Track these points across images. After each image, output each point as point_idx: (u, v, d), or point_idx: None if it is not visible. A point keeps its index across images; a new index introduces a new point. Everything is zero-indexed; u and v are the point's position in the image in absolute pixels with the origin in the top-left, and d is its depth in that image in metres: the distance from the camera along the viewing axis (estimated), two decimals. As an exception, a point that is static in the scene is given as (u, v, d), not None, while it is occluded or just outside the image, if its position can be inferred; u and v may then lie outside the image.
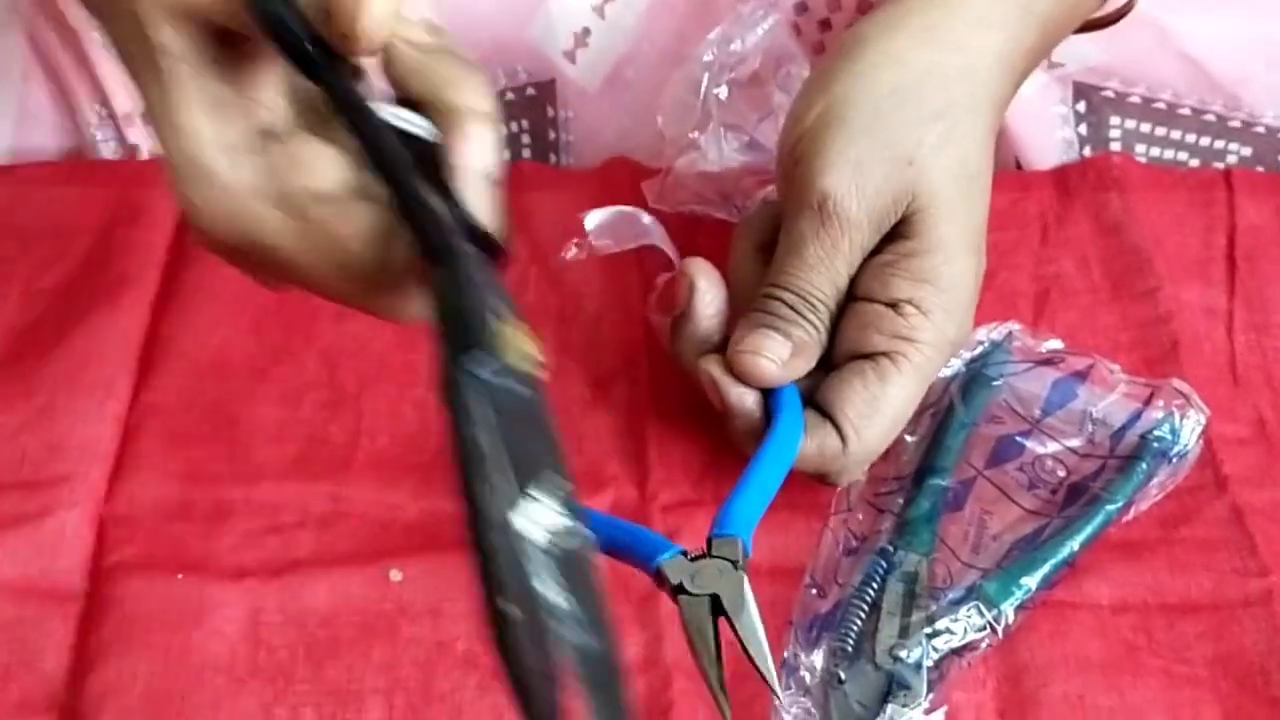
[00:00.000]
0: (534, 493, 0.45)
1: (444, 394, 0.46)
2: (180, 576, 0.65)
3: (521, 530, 0.45)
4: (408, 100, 0.53)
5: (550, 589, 0.44)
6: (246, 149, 0.52)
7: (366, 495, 0.68)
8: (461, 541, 0.64)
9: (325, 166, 0.52)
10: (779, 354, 0.65)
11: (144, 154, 0.83)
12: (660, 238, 0.69)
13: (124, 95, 0.81)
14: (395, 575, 0.65)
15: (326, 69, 0.52)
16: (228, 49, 0.52)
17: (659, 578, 0.60)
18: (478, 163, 0.52)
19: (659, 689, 0.61)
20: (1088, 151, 0.84)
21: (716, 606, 0.58)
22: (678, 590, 0.59)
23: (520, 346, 0.48)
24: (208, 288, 0.75)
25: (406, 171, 0.51)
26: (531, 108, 0.83)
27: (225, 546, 0.66)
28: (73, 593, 0.64)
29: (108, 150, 0.83)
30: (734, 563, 0.59)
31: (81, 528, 0.66)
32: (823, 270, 0.65)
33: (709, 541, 0.60)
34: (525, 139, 0.85)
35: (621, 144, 0.83)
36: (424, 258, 0.50)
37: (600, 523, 0.63)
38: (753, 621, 0.57)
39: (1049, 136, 0.84)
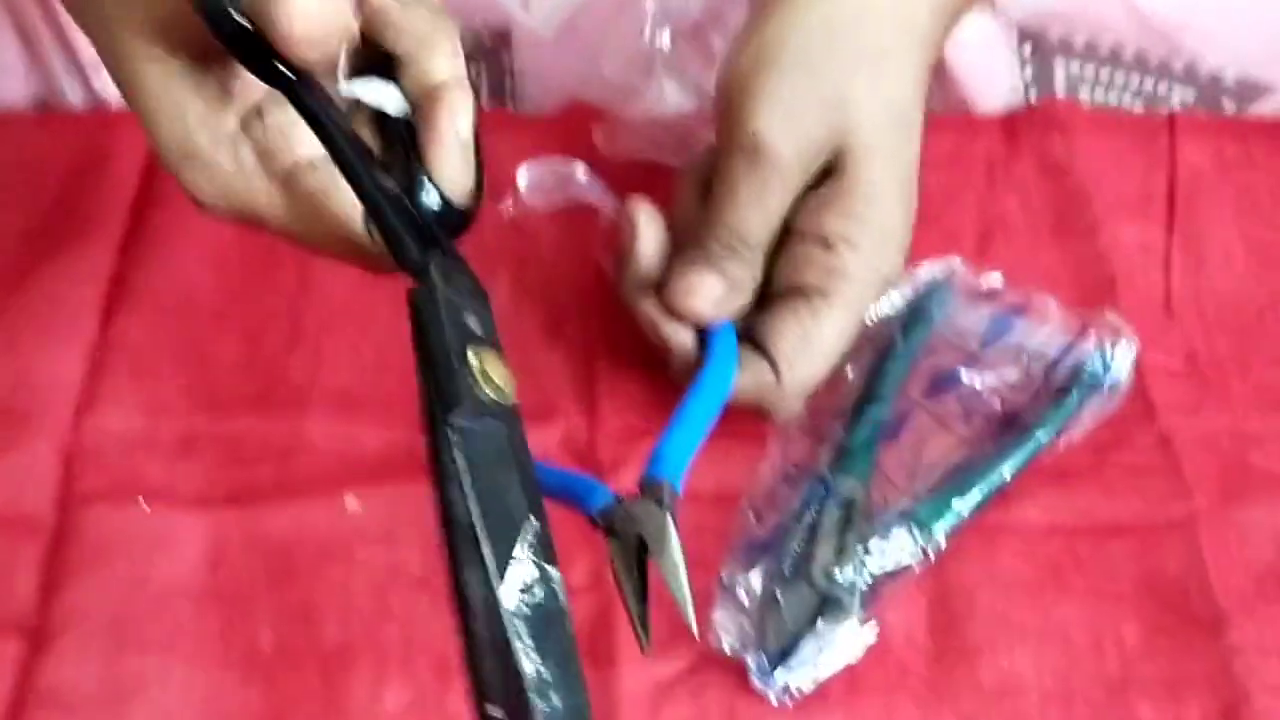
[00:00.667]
0: (515, 554, 0.48)
1: (431, 458, 0.50)
2: (144, 504, 0.66)
3: (503, 603, 0.47)
4: (380, 55, 0.54)
5: (525, 658, 0.47)
6: (235, 134, 0.54)
7: (325, 428, 0.70)
8: (416, 471, 0.67)
9: (310, 134, 0.53)
10: (713, 292, 0.66)
11: (111, 105, 0.84)
12: (597, 193, 0.71)
13: (89, 45, 0.82)
14: (351, 503, 0.67)
15: (278, 73, 0.51)
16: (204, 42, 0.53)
17: (595, 522, 0.61)
18: (453, 131, 0.53)
19: (603, 609, 0.63)
20: (1034, 95, 0.85)
21: (642, 546, 0.59)
22: (609, 532, 0.60)
23: (494, 377, 0.50)
24: (173, 230, 0.77)
25: (369, 177, 0.52)
26: (487, 56, 0.84)
27: (188, 476, 0.68)
28: (40, 522, 0.66)
29: (75, 99, 0.84)
30: (659, 502, 0.60)
31: (49, 459, 0.68)
32: (755, 209, 0.66)
33: (640, 484, 0.61)
34: (482, 87, 0.86)
35: (578, 91, 0.84)
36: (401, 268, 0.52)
37: (545, 472, 0.64)
38: (674, 560, 0.58)
39: (996, 81, 0.85)
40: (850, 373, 0.70)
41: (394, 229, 0.52)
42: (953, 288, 0.73)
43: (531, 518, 0.49)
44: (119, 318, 0.73)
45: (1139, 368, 0.69)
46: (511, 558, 0.48)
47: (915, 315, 0.71)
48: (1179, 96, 0.86)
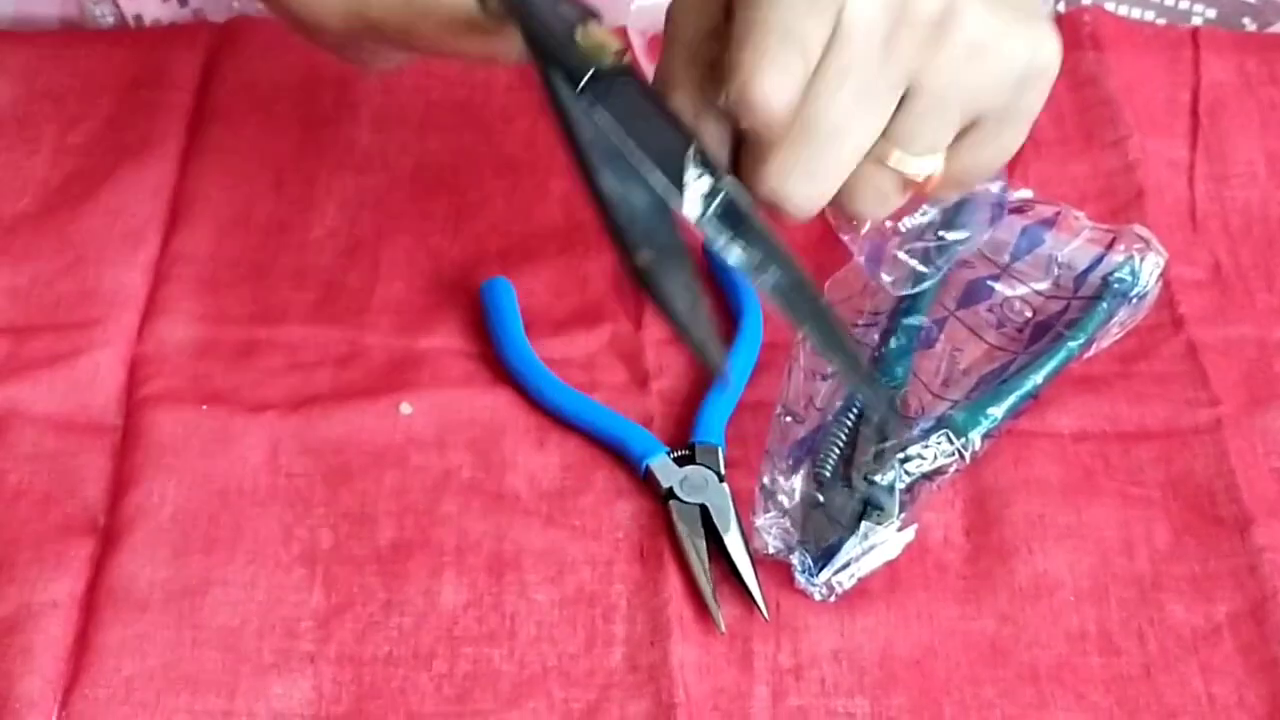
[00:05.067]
0: (687, 174, 0.50)
1: (558, 126, 0.51)
2: (206, 409, 0.65)
3: (687, 210, 0.50)
4: None
5: (728, 249, 0.50)
6: None
7: (381, 336, 0.68)
8: (469, 379, 0.66)
9: None
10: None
11: (145, 21, 0.82)
12: None
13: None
14: (405, 409, 0.65)
15: None
16: None
17: (648, 477, 0.62)
18: None
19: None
20: (1062, 7, 0.82)
21: (705, 516, 0.60)
22: (668, 495, 0.61)
23: (602, 44, 0.51)
24: (231, 146, 0.75)
25: None
26: None
27: (248, 382, 0.66)
28: (108, 425, 0.65)
29: (105, 19, 0.82)
30: (718, 474, 0.61)
31: (114, 365, 0.66)
32: None
33: (692, 447, 0.63)
34: None
35: None
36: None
37: (593, 412, 0.64)
38: (739, 540, 0.60)
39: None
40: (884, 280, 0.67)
41: None
42: (984, 201, 0.70)
43: (691, 142, 0.51)
44: (181, 230, 0.72)
45: (1165, 279, 0.67)
46: (684, 176, 0.50)
47: (949, 227, 0.69)
48: (1199, 14, 0.83)
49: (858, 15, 0.50)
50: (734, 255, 0.50)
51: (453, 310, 0.69)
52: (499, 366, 0.66)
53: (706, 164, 0.51)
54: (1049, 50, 0.54)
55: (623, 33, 0.76)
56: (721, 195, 0.50)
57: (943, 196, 0.58)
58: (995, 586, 0.60)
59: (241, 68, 0.78)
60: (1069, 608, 0.59)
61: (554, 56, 0.51)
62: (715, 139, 0.52)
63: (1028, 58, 0.53)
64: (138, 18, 0.81)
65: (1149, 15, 0.83)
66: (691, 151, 0.50)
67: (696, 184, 0.50)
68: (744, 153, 0.53)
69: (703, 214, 0.50)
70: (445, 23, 0.56)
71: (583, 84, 0.50)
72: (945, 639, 0.59)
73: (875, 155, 0.53)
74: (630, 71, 0.51)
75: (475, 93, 0.77)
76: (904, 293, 0.64)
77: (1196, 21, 0.83)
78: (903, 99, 0.52)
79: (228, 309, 0.69)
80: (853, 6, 0.50)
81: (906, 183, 0.54)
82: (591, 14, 0.53)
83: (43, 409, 0.65)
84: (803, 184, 0.51)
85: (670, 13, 0.53)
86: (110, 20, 0.82)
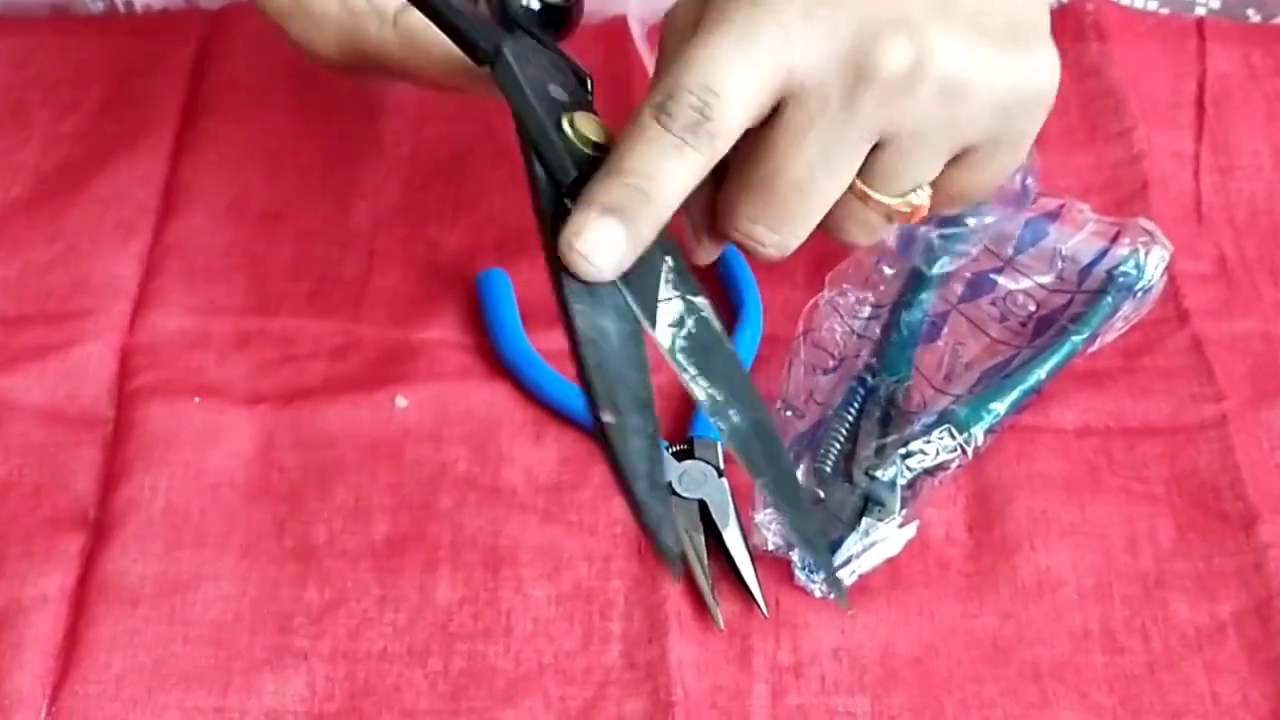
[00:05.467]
0: (660, 295, 0.49)
1: (540, 226, 0.50)
2: (198, 401, 0.64)
3: (658, 339, 0.49)
4: None
5: (691, 385, 0.49)
6: None
7: (375, 328, 0.67)
8: (465, 372, 0.65)
9: None
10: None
11: (137, 8, 0.81)
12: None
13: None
14: (401, 402, 0.64)
15: None
16: None
17: None
18: None
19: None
20: (1065, -1, 0.81)
21: (704, 512, 0.60)
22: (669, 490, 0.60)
23: (591, 135, 0.50)
24: (225, 135, 0.74)
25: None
26: None
27: (241, 374, 0.65)
28: (99, 417, 0.64)
29: (97, 5, 0.81)
30: (718, 469, 0.61)
31: (105, 356, 0.65)
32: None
33: (690, 441, 0.62)
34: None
35: None
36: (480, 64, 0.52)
37: None
38: (738, 536, 0.59)
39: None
40: (888, 271, 0.67)
41: (458, 29, 0.52)
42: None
43: (666, 255, 0.50)
44: (173, 220, 0.71)
45: (1170, 272, 0.66)
46: (658, 299, 0.49)
47: (950, 221, 0.68)
48: (1203, 4, 0.82)
49: (807, 79, 0.49)
50: (696, 393, 0.49)
51: (449, 302, 0.68)
52: (495, 359, 0.65)
53: (682, 283, 0.50)
54: (1040, 76, 0.52)
55: (622, 21, 0.75)
56: (691, 323, 0.49)
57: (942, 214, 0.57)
58: (997, 584, 0.59)
59: (236, 55, 0.77)
60: (1072, 605, 0.59)
61: (537, 147, 0.50)
62: (695, 194, 0.50)
63: (1011, 88, 0.51)
64: (129, 4, 0.80)
65: (1153, 5, 0.81)
66: (666, 268, 0.49)
67: (668, 307, 0.49)
68: (720, 192, 0.52)
69: (671, 345, 0.49)
70: (442, 63, 0.56)
71: (564, 189, 0.49)
72: (947, 637, 0.58)
73: (856, 193, 0.52)
74: None
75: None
76: (938, 272, 0.64)
77: (1201, 12, 0.81)
78: (878, 144, 0.51)
79: (221, 300, 0.68)
80: (802, 70, 0.48)
81: (892, 214, 0.53)
82: (585, 92, 0.52)
83: (33, 400, 0.64)
84: (770, 234, 0.52)
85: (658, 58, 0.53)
86: (101, 6, 0.81)
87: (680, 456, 0.61)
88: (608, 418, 0.47)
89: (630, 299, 0.49)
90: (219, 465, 0.62)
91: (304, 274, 0.69)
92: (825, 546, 0.57)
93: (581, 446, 0.63)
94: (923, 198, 0.53)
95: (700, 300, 0.50)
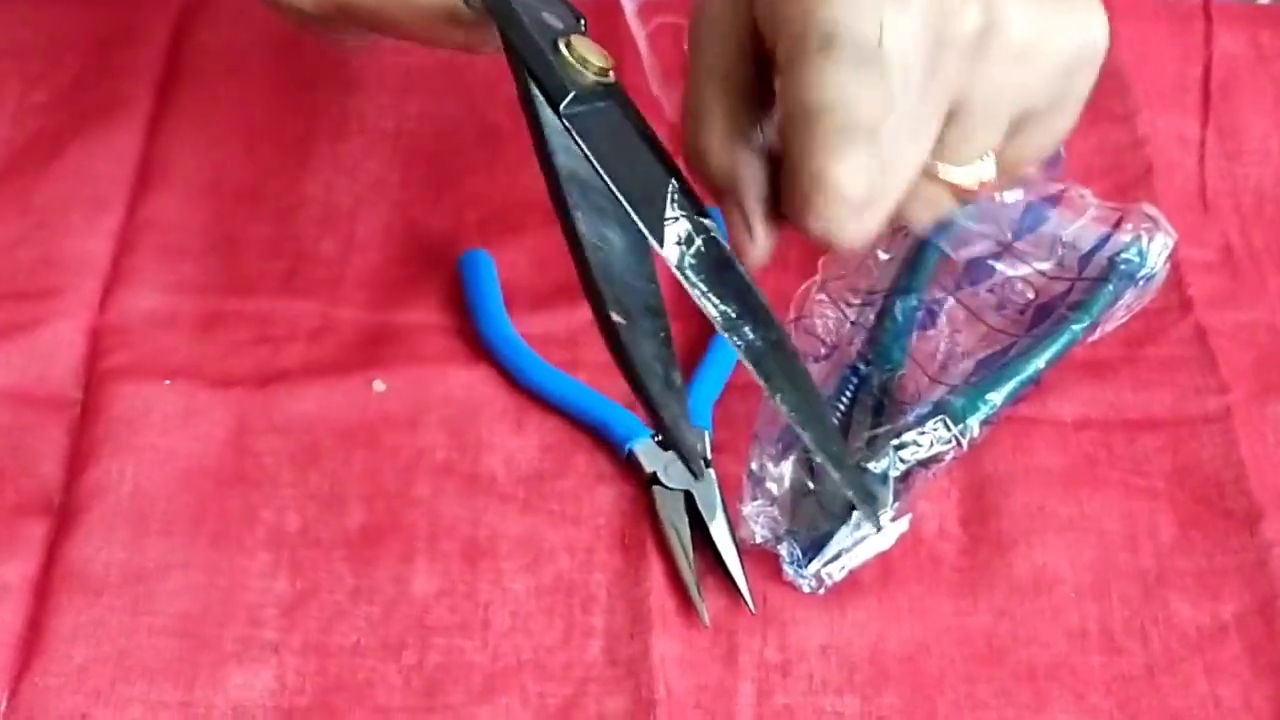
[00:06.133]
0: (667, 214, 0.47)
1: (536, 145, 0.48)
2: (169, 383, 0.62)
3: (667, 255, 0.47)
4: None
5: (703, 301, 0.47)
6: None
7: (354, 310, 0.65)
8: (445, 356, 0.64)
9: None
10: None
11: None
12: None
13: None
14: (378, 386, 0.62)
15: None
16: None
17: (631, 461, 0.60)
18: None
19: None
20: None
21: (689, 503, 0.58)
22: (652, 480, 0.59)
23: (591, 59, 0.48)
24: (202, 109, 0.72)
25: None
26: None
27: (214, 355, 0.64)
28: (66, 400, 0.62)
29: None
30: (705, 459, 0.59)
31: (75, 337, 0.63)
32: None
33: None
34: None
35: None
36: None
37: (574, 393, 0.62)
38: (724, 529, 0.58)
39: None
40: (882, 256, 0.65)
41: None
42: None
43: (671, 178, 0.48)
44: (148, 196, 0.69)
45: (1174, 260, 0.65)
46: (664, 218, 0.47)
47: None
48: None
49: (896, 53, 0.46)
50: (709, 309, 0.47)
51: (430, 283, 0.66)
52: (477, 343, 0.64)
53: (687, 204, 0.48)
54: (1096, 32, 0.51)
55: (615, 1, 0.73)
56: (700, 241, 0.47)
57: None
58: (992, 580, 0.58)
59: (214, 27, 0.75)
60: (1069, 604, 0.57)
61: (534, 71, 0.48)
62: (754, 174, 0.48)
63: (1075, 47, 0.50)
64: None
65: (1160, -14, 0.80)
66: (671, 189, 0.48)
67: (674, 227, 0.47)
68: (786, 190, 0.48)
69: (680, 262, 0.47)
70: (424, 10, 0.54)
71: (562, 106, 0.48)
72: (939, 635, 0.56)
73: (925, 171, 0.50)
74: (615, 92, 0.49)
75: (459, 56, 0.73)
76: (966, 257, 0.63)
77: (1209, -7, 0.80)
78: (948, 115, 0.49)
79: (195, 279, 0.66)
80: (890, 45, 0.46)
81: (958, 190, 0.51)
82: (578, 25, 0.50)
83: (-1, 381, 0.62)
84: (851, 225, 0.48)
85: (694, 41, 0.50)
86: None
87: (666, 446, 0.60)
88: (618, 318, 0.46)
89: (635, 216, 0.47)
90: (189, 450, 0.60)
91: (281, 253, 0.67)
92: (853, 467, 0.55)
93: (564, 434, 0.61)
94: (990, 169, 0.51)
95: (708, 222, 0.48)
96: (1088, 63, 0.51)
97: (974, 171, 0.51)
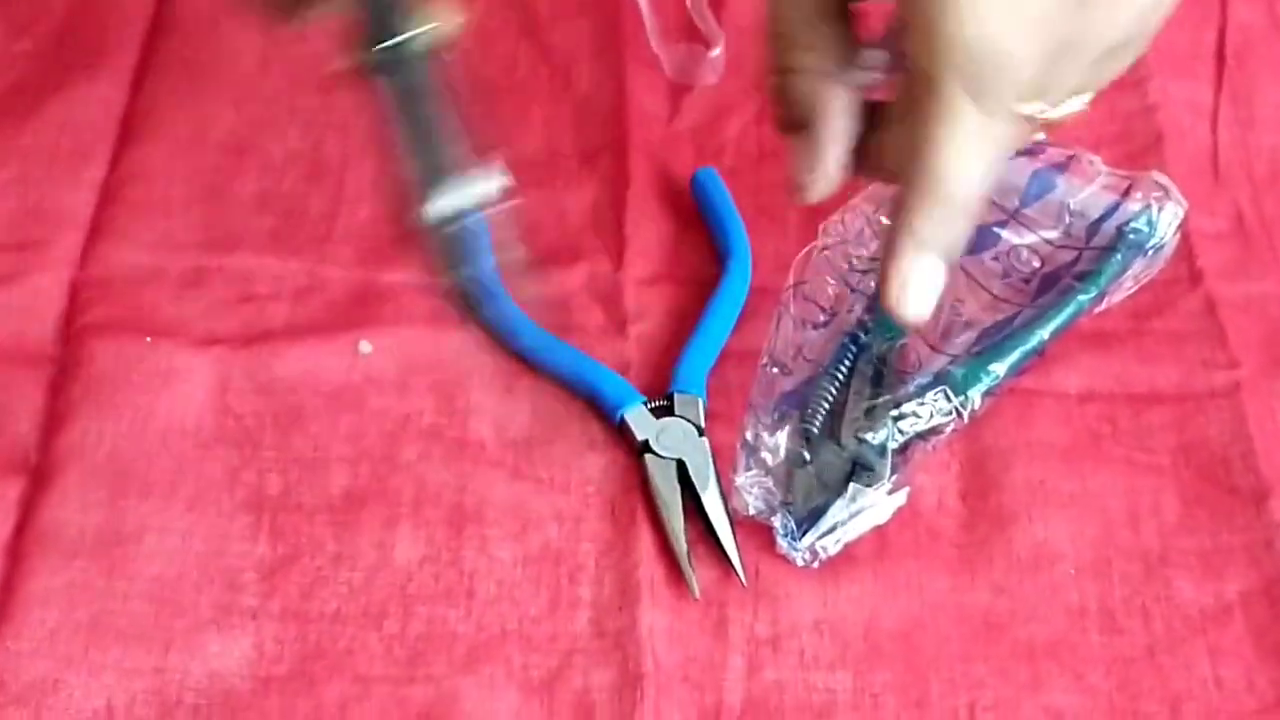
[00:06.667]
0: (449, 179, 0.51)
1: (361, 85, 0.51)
2: (150, 341, 0.61)
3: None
4: None
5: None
6: None
7: (341, 268, 0.64)
8: (435, 317, 0.62)
9: None
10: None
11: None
12: None
13: None
14: (365, 348, 0.61)
15: None
16: None
17: (622, 428, 0.59)
18: None
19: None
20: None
21: (682, 472, 0.57)
22: (644, 448, 0.58)
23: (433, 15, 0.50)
24: (189, 60, 0.70)
25: None
26: None
27: (197, 313, 0.62)
28: (44, 356, 0.61)
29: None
30: (698, 428, 0.58)
31: (54, 291, 0.62)
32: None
33: (670, 397, 0.59)
34: None
35: None
36: None
37: (566, 357, 0.61)
38: (717, 499, 0.56)
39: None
40: (883, 222, 0.63)
41: None
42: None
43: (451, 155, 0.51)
44: (132, 149, 0.67)
45: (1184, 230, 0.63)
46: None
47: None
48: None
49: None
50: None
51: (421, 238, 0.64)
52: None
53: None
54: None
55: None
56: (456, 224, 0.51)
57: None
58: (991, 556, 0.56)
59: (204, -25, 0.73)
60: (1069, 581, 0.56)
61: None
62: (839, 111, 0.49)
63: None
64: None
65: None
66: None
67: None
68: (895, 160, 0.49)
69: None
70: None
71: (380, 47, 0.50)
72: (935, 612, 0.55)
73: None
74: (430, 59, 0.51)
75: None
76: None
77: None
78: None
79: (179, 234, 0.65)
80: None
81: (1046, 125, 0.51)
82: None
83: (-24, 336, 0.61)
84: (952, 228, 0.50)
85: None
86: None
87: (659, 413, 0.58)
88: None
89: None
90: (169, 410, 0.59)
91: (268, 209, 0.66)
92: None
93: (555, 400, 0.60)
94: (1080, 102, 0.51)
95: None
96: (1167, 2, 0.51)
97: (1066, 107, 0.50)
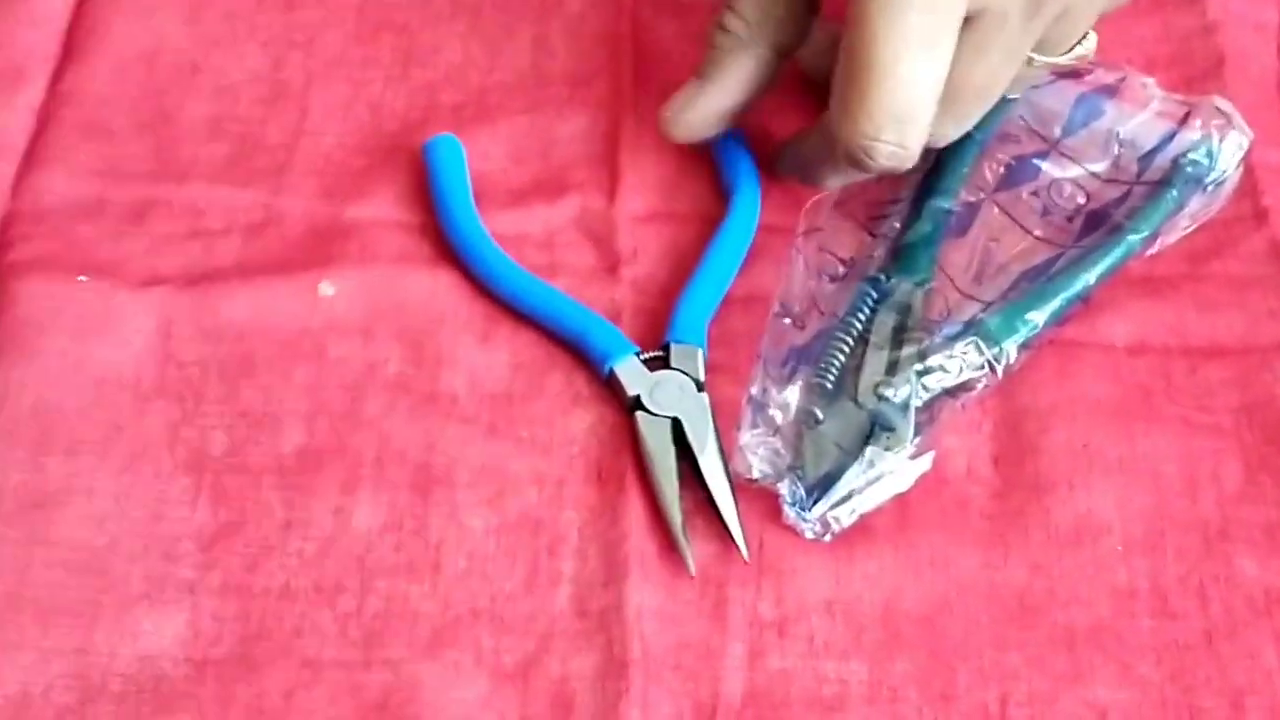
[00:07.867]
0: None
1: None
2: (85, 280, 0.57)
3: None
4: None
5: None
6: None
7: (302, 201, 0.60)
8: (404, 257, 0.58)
9: None
10: None
11: None
12: None
13: None
14: (326, 289, 0.57)
15: None
16: None
17: (612, 382, 0.55)
18: None
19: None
20: None
21: (678, 432, 0.53)
22: (635, 405, 0.54)
23: None
24: (140, -31, 0.66)
25: None
26: None
27: (139, 250, 0.58)
28: (-33, 296, 0.57)
29: None
30: (697, 382, 0.54)
31: (-19, 225, 0.58)
32: None
33: (666, 347, 0.56)
34: None
35: None
36: None
37: (550, 302, 0.57)
38: (717, 462, 0.53)
39: None
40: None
41: None
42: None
43: None
44: (73, 68, 0.64)
45: (1248, 163, 0.59)
46: None
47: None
48: None
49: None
50: None
51: (390, 173, 0.61)
52: (441, 242, 0.58)
53: None
54: None
55: None
56: None
57: None
58: (1027, 529, 0.53)
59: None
60: (1115, 559, 0.52)
61: None
62: (745, 74, 0.55)
63: None
64: None
65: None
66: None
67: None
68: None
69: None
70: None
71: None
72: (963, 592, 0.52)
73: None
74: None
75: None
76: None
77: None
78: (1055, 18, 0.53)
79: (122, 162, 0.61)
80: None
81: (1057, 69, 0.55)
82: None
83: (-109, 273, 0.57)
84: (952, 129, 0.54)
85: None
86: None
87: (653, 365, 0.54)
88: None
89: None
90: (103, 357, 0.55)
91: (221, 135, 0.62)
92: None
93: (538, 350, 0.56)
94: (1090, 44, 0.55)
95: None
96: None
97: (1077, 51, 0.54)
